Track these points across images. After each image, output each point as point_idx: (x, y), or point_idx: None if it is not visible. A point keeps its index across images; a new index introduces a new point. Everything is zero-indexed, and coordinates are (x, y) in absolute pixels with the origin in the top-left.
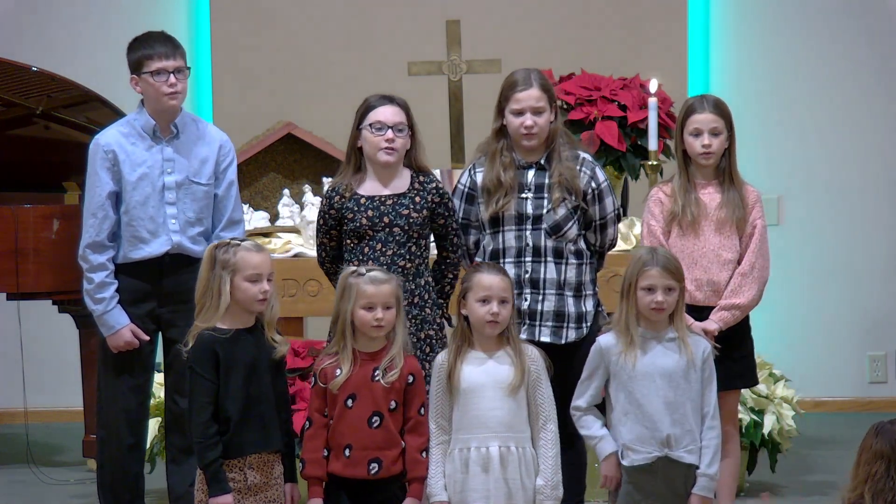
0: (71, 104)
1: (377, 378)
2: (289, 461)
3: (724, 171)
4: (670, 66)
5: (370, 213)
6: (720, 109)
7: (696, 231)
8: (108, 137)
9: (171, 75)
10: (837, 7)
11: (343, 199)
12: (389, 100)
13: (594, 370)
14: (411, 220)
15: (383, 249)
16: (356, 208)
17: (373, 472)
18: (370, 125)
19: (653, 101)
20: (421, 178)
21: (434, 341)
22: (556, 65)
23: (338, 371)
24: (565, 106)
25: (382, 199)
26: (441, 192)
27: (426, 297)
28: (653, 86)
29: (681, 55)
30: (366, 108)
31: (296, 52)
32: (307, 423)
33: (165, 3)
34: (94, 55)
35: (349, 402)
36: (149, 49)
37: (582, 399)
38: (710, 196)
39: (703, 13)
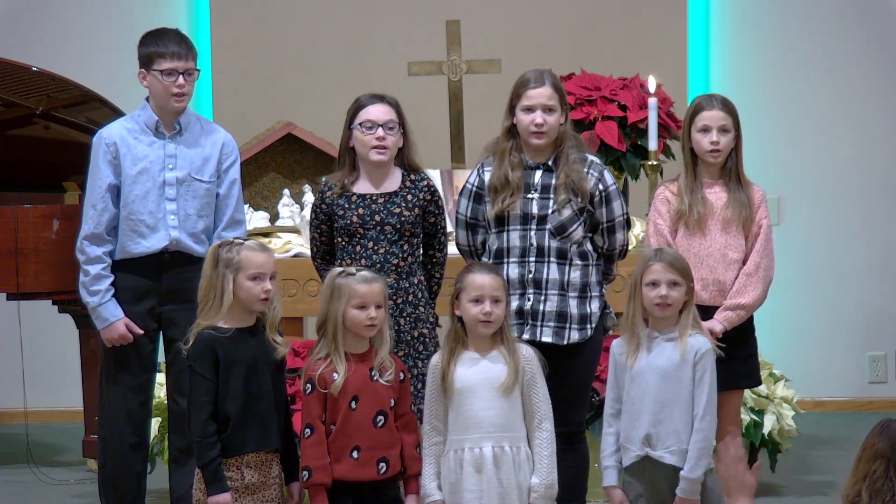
0: (71, 104)
1: (375, 378)
2: (291, 461)
3: (731, 170)
4: (670, 65)
5: (361, 210)
6: (728, 108)
7: (702, 230)
8: (111, 131)
9: (181, 76)
10: (838, 7)
11: (334, 195)
12: (380, 98)
13: (612, 374)
14: (403, 219)
15: (375, 248)
16: (346, 205)
17: (382, 471)
18: (360, 124)
19: (653, 101)
20: (412, 177)
21: (427, 339)
22: (556, 65)
23: (334, 374)
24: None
25: (374, 197)
26: (432, 190)
27: (419, 295)
28: (652, 86)
29: (681, 55)
30: (357, 108)
31: (296, 52)
32: (308, 430)
33: (165, 3)
34: (93, 55)
35: (353, 404)
36: (162, 47)
37: (608, 405)
38: (716, 195)
39: (703, 13)
